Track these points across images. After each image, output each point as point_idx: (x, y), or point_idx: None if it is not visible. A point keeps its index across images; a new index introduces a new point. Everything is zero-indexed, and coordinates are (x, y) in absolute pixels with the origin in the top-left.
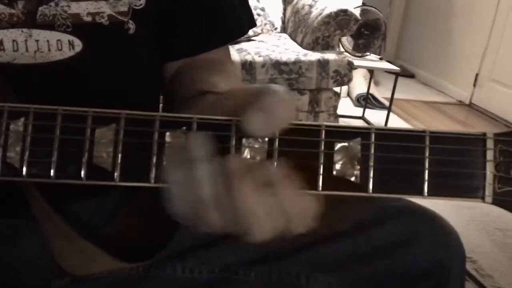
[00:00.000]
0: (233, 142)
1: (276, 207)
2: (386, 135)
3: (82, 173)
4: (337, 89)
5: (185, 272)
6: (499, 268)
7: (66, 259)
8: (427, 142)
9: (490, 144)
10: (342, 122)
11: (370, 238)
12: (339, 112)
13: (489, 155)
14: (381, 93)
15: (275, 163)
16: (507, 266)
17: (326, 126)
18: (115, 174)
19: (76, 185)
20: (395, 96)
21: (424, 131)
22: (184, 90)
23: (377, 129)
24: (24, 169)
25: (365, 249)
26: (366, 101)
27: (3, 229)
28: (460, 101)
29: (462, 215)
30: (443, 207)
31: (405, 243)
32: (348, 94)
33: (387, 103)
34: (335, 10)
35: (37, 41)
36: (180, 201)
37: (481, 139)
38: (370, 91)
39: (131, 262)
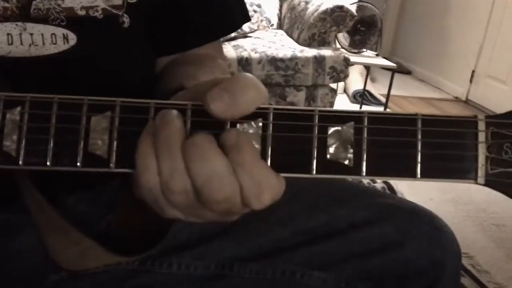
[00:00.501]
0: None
1: (231, 171)
2: (378, 119)
3: (78, 160)
4: (333, 85)
5: (181, 268)
6: (495, 263)
7: (61, 253)
8: (419, 125)
9: (481, 126)
10: None
11: (365, 237)
12: (335, 108)
13: (481, 137)
14: (378, 90)
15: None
16: (503, 262)
17: (320, 110)
18: (111, 161)
19: (72, 177)
20: (392, 92)
21: (416, 114)
22: (170, 85)
23: (369, 113)
24: (21, 157)
25: (360, 247)
26: (362, 97)
27: (0, 223)
28: (456, 97)
29: (459, 211)
30: (439, 203)
31: (400, 242)
32: (345, 91)
33: (383, 100)
34: (331, 6)
35: (31, 34)
36: (144, 184)
37: (472, 121)
38: (367, 88)
39: (128, 255)
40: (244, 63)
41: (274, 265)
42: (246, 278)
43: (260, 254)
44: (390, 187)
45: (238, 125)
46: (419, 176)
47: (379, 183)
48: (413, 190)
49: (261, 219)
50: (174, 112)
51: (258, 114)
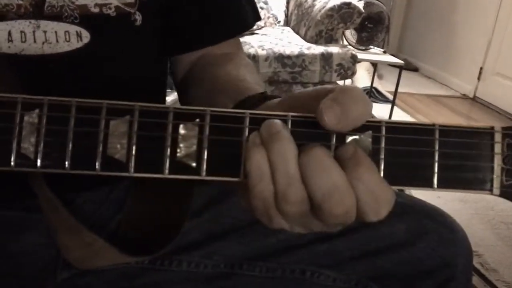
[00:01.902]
0: (246, 133)
1: (349, 185)
2: (396, 128)
3: (97, 164)
4: (340, 82)
5: (191, 266)
6: (504, 262)
7: (72, 251)
8: (437, 136)
9: (498, 137)
10: None
11: (376, 235)
12: None
13: (497, 148)
14: (385, 87)
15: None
16: None
17: None
18: (130, 165)
19: (82, 177)
20: (399, 89)
21: (433, 125)
22: (226, 91)
23: (387, 122)
24: (39, 160)
25: (370, 246)
26: (369, 94)
27: (10, 220)
28: (464, 94)
29: (467, 209)
30: (447, 201)
31: (411, 241)
32: None
33: (390, 97)
34: (338, 3)
35: (45, 32)
36: (258, 194)
37: (489, 132)
38: (374, 85)
39: (138, 255)
40: (251, 60)
41: (283, 264)
42: (255, 277)
43: (269, 253)
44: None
45: (349, 138)
46: (435, 186)
47: None
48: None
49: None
50: (280, 122)
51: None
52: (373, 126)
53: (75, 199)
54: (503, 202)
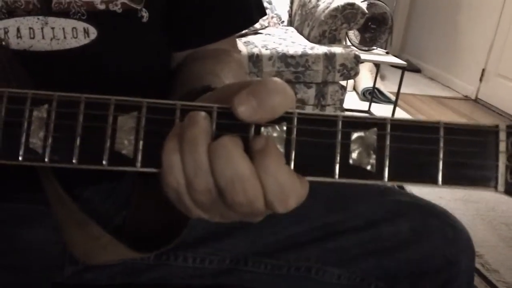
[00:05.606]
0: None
1: (255, 175)
2: (401, 126)
3: (104, 159)
4: (343, 82)
5: (196, 262)
6: (504, 262)
7: (78, 246)
8: (442, 133)
9: (502, 136)
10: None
11: (381, 234)
12: (345, 106)
13: (502, 146)
14: (387, 87)
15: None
16: None
17: (343, 116)
18: (137, 160)
19: (93, 171)
20: (401, 90)
21: (438, 123)
22: (192, 82)
23: (392, 120)
24: (47, 155)
25: (375, 245)
26: (372, 95)
27: (18, 213)
28: (466, 96)
29: (468, 209)
30: (449, 202)
31: (415, 240)
32: (354, 88)
33: (393, 97)
34: (342, 3)
35: (53, 28)
36: (169, 184)
37: (494, 131)
38: (376, 85)
39: (144, 250)
40: (255, 59)
41: (289, 261)
42: (260, 274)
43: (275, 249)
44: (400, 185)
45: (262, 128)
46: (440, 183)
47: None
48: (423, 188)
49: (277, 215)
50: (202, 113)
51: (283, 117)
52: (378, 123)
53: (81, 194)
54: (504, 203)
